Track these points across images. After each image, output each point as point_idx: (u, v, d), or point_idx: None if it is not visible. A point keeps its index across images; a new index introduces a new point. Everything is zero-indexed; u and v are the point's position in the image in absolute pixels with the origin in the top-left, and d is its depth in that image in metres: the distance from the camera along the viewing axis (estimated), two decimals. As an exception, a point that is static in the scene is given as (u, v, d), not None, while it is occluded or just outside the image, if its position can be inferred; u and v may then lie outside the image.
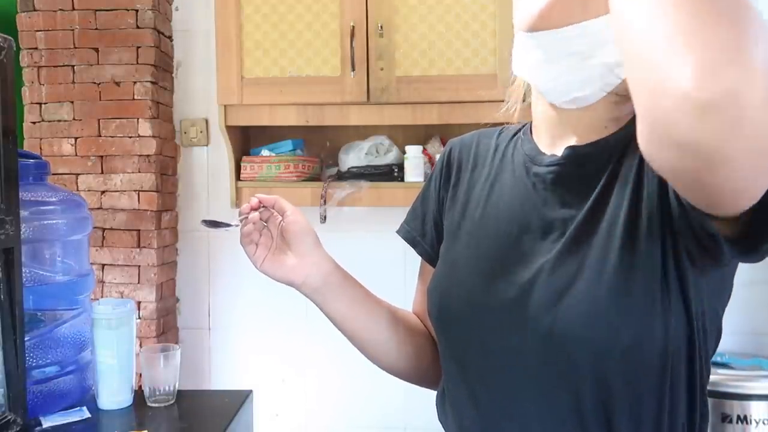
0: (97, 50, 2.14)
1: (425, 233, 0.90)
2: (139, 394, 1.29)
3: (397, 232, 0.94)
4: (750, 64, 0.41)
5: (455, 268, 0.79)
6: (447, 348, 0.81)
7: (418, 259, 0.93)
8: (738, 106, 0.41)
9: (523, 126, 0.83)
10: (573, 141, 0.74)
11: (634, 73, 0.47)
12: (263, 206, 0.86)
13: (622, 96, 0.69)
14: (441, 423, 0.85)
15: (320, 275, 0.87)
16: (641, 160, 0.66)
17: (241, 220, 0.85)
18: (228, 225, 0.88)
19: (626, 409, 0.67)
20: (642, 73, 0.45)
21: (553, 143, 0.76)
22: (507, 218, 0.76)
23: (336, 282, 0.88)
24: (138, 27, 2.12)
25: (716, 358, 1.94)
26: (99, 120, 2.15)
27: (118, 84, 2.14)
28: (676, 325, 0.65)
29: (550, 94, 0.73)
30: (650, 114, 0.45)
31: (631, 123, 0.63)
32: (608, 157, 0.70)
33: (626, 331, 0.64)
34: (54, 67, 2.14)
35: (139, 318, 2.14)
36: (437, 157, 2.04)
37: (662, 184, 0.64)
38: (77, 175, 2.16)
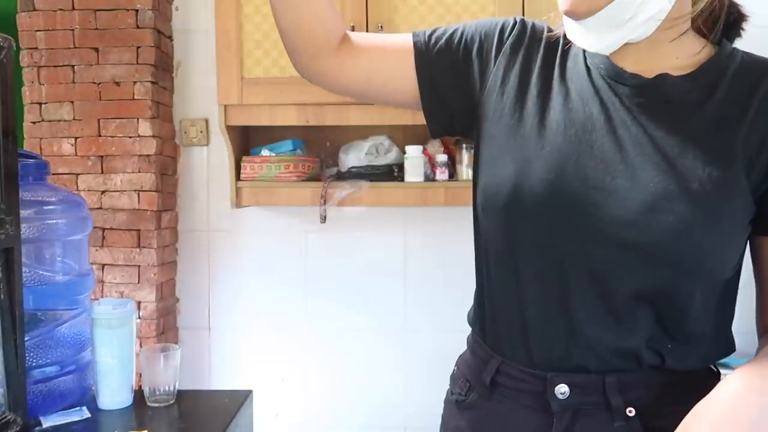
0: (97, 50, 2.14)
1: (437, 52, 0.85)
2: (139, 394, 1.28)
3: (415, 35, 0.87)
4: None
5: (528, 165, 0.77)
6: (505, 241, 0.80)
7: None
8: None
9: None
10: (646, 64, 0.77)
11: None
12: None
13: (677, 25, 0.74)
14: (478, 338, 0.87)
15: None
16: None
17: None
18: None
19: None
20: None
21: (623, 59, 0.78)
22: (588, 125, 0.77)
23: None
24: (138, 27, 2.12)
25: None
26: (99, 120, 2.15)
27: (118, 84, 2.14)
28: (742, 252, 0.76)
29: (603, 50, 0.77)
30: None
31: (709, 64, 0.76)
32: (699, 89, 0.75)
33: (711, 253, 0.71)
34: (54, 67, 2.14)
35: (139, 318, 2.14)
36: (438, 157, 2.04)
37: None
38: (77, 175, 2.16)
